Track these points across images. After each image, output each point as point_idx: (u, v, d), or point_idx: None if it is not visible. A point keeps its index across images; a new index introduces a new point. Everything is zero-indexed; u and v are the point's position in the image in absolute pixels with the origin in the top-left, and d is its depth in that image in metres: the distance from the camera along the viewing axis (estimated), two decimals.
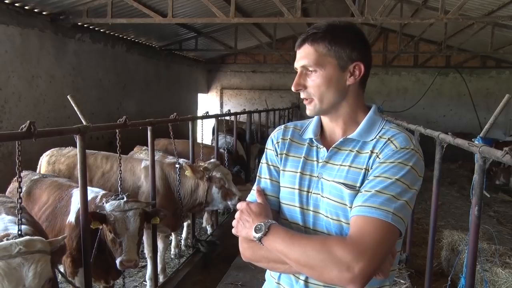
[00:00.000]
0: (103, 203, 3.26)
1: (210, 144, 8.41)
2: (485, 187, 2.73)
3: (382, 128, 1.40)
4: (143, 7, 7.02)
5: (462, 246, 4.45)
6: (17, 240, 2.12)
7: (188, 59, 13.96)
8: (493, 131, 12.51)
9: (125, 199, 3.26)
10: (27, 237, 2.20)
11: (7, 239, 2.17)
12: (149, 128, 4.06)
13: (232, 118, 8.12)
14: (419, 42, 13.53)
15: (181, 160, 4.80)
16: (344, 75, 1.39)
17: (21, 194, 2.53)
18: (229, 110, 10.04)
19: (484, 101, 14.10)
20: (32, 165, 4.87)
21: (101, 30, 8.67)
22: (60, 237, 2.48)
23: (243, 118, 10.93)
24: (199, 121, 6.24)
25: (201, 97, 15.41)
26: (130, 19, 7.42)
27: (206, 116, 6.10)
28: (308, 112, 1.46)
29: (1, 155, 6.02)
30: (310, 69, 1.39)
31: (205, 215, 6.73)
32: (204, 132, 6.98)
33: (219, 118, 7.01)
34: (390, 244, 1.26)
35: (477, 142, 2.74)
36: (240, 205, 1.44)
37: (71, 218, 3.39)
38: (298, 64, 1.42)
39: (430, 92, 14.52)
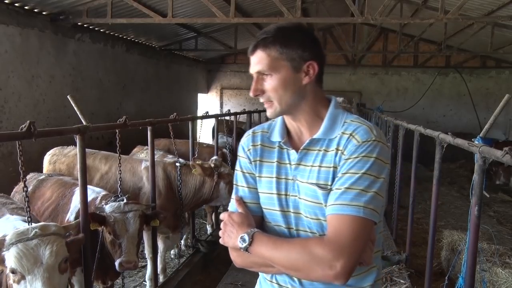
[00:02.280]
0: (103, 205, 3.26)
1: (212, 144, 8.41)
2: (485, 187, 2.73)
3: (344, 122, 1.43)
4: (143, 7, 7.02)
5: (462, 246, 4.44)
6: (33, 225, 2.25)
7: (188, 59, 13.95)
8: (493, 131, 12.51)
9: (125, 200, 3.26)
10: (42, 223, 2.33)
11: None
12: (149, 128, 4.06)
13: (232, 118, 8.12)
14: (419, 42, 13.52)
15: (181, 160, 4.81)
16: (299, 75, 1.43)
17: (27, 193, 2.55)
18: (229, 110, 10.03)
19: (484, 101, 14.09)
20: (32, 165, 4.86)
21: (101, 30, 8.66)
22: (73, 222, 2.50)
23: (243, 118, 10.93)
24: (199, 121, 6.24)
25: (201, 97, 15.41)
26: (130, 19, 7.41)
27: (206, 116, 6.10)
28: (268, 114, 1.49)
29: (1, 155, 6.02)
30: (265, 73, 1.42)
31: (208, 217, 6.74)
32: (204, 132, 6.97)
33: (219, 118, 7.01)
34: (366, 237, 1.32)
35: (477, 142, 2.73)
36: (223, 216, 1.49)
37: (70, 217, 3.40)
38: (253, 70, 1.45)
39: (430, 92, 14.51)
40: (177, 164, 4.70)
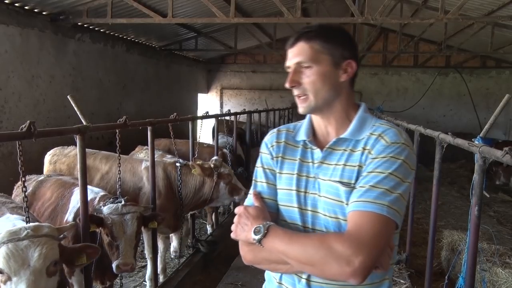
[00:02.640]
0: (101, 206, 3.25)
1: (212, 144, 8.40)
2: (485, 187, 2.73)
3: (372, 125, 1.43)
4: (143, 7, 7.02)
5: (462, 246, 4.44)
6: (26, 225, 2.24)
7: (188, 59, 13.96)
8: (493, 131, 12.52)
9: (123, 202, 3.25)
10: (36, 223, 2.31)
11: None
12: (149, 128, 4.06)
13: (232, 118, 8.12)
14: (419, 42, 13.52)
15: (181, 160, 4.81)
16: (338, 72, 1.43)
17: (26, 193, 2.55)
18: (229, 110, 10.04)
19: (484, 101, 14.10)
20: (32, 165, 4.86)
21: (101, 30, 8.66)
22: (68, 224, 2.51)
23: (243, 118, 10.93)
24: (199, 121, 6.24)
25: (201, 97, 15.41)
26: (130, 19, 7.42)
27: (206, 116, 6.10)
28: (301, 110, 1.47)
29: (1, 155, 6.02)
30: (305, 65, 1.42)
31: (208, 217, 6.73)
32: (204, 132, 6.97)
33: (219, 118, 7.01)
34: (387, 236, 1.29)
35: (477, 142, 2.74)
36: (238, 209, 1.47)
37: (69, 217, 3.40)
38: (292, 61, 1.45)
39: (430, 92, 14.52)
40: (177, 164, 4.70)
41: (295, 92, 1.45)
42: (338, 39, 1.44)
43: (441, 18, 6.49)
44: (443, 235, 5.34)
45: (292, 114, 14.72)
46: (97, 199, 3.48)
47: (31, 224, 2.29)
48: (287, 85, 1.45)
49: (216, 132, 6.62)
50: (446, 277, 3.64)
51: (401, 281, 4.41)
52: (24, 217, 2.66)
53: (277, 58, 14.84)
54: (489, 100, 13.94)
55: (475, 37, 10.44)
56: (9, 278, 2.05)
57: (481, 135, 2.82)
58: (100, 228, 3.17)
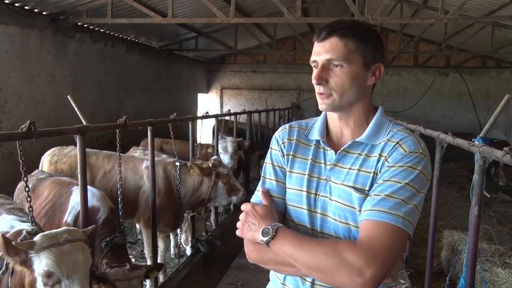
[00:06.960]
0: (107, 269, 3.06)
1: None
2: (485, 187, 2.73)
3: (390, 131, 1.39)
4: (143, 7, 7.02)
5: (462, 246, 4.44)
6: (58, 230, 2.27)
7: (188, 59, 13.96)
8: (493, 131, 12.51)
9: (128, 266, 3.09)
10: (65, 228, 2.37)
11: (26, 232, 2.28)
12: (149, 128, 4.07)
13: (232, 118, 8.12)
14: (419, 42, 13.51)
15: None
16: (367, 74, 1.39)
17: (29, 192, 2.56)
18: (229, 110, 10.04)
19: (484, 101, 14.09)
20: (32, 165, 4.85)
21: (101, 30, 8.67)
22: (89, 227, 2.58)
23: (243, 118, 10.93)
24: (199, 121, 6.24)
25: (201, 97, 15.41)
26: (130, 19, 7.42)
27: (206, 116, 6.10)
28: (323, 107, 1.40)
29: (1, 155, 6.02)
30: (336, 63, 1.35)
31: (212, 216, 6.72)
32: (204, 132, 6.98)
33: (219, 118, 7.01)
34: (400, 248, 1.27)
35: (477, 142, 2.74)
36: (245, 207, 1.42)
37: (69, 218, 3.37)
38: (322, 57, 1.37)
39: (430, 92, 14.51)
40: (177, 163, 4.70)
41: (320, 89, 1.38)
42: (371, 40, 1.38)
43: (441, 18, 6.49)
44: (443, 235, 5.34)
45: (292, 114, 14.72)
46: (100, 220, 3.30)
47: (63, 228, 2.34)
48: (313, 81, 1.38)
49: (216, 132, 6.62)
50: (447, 278, 3.64)
51: (401, 281, 4.41)
52: (21, 218, 2.66)
53: (277, 58, 14.84)
54: (489, 100, 13.93)
55: (475, 37, 10.44)
56: (57, 282, 2.10)
57: (481, 135, 2.82)
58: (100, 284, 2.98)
